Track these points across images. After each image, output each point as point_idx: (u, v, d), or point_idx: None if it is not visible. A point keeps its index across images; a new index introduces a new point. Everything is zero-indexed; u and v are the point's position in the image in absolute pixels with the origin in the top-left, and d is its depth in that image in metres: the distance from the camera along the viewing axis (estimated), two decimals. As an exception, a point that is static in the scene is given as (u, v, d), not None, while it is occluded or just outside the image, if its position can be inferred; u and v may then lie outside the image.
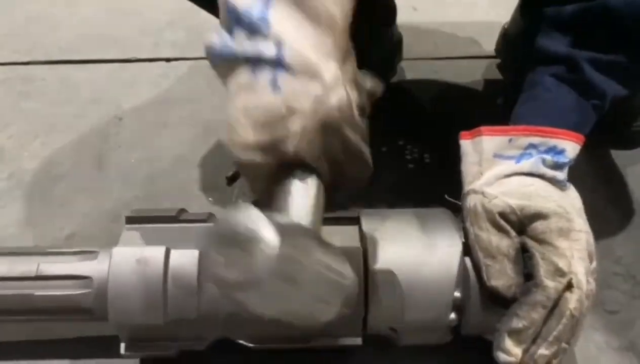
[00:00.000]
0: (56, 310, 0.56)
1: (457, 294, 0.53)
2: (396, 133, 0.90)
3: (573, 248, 0.50)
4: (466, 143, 0.57)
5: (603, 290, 0.68)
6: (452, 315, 0.54)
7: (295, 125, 0.42)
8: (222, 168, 0.83)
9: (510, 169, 0.54)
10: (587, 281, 0.50)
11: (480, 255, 0.52)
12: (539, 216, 0.51)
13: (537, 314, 0.49)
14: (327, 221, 0.58)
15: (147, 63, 1.02)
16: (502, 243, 0.51)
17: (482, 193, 0.53)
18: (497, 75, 1.03)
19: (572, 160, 0.55)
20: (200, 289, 0.53)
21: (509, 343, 0.49)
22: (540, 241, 0.50)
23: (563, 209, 0.52)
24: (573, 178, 0.84)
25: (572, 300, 0.49)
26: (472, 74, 1.03)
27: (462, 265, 0.54)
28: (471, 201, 0.54)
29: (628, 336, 0.64)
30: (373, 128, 0.89)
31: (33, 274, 0.55)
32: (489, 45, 1.12)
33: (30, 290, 0.55)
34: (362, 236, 0.55)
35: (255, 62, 0.42)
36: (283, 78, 0.41)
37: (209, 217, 0.60)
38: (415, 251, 0.54)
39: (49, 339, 0.63)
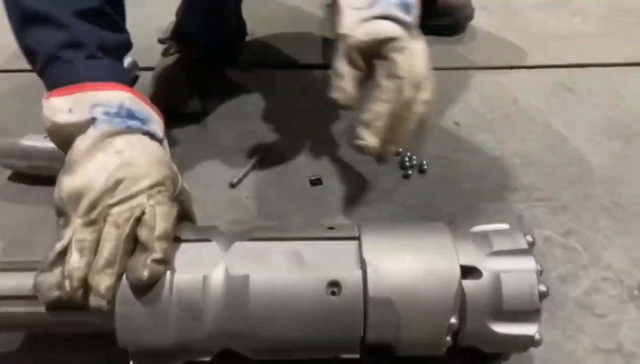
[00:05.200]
0: (65, 324, 0.58)
1: (453, 320, 0.55)
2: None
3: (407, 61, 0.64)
4: None
5: (592, 295, 0.70)
6: (448, 338, 0.56)
7: None
8: (222, 170, 0.86)
9: (365, 14, 0.65)
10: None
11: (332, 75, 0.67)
12: (385, 41, 0.64)
13: (380, 108, 0.64)
14: (326, 237, 0.59)
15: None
16: (350, 70, 0.66)
17: (344, 36, 0.65)
18: (492, 88, 1.06)
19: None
20: (204, 311, 0.55)
21: (364, 132, 0.65)
22: (384, 57, 0.65)
23: (405, 34, 0.65)
24: (573, 180, 0.87)
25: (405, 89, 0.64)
26: (466, 85, 1.06)
27: (460, 288, 0.55)
28: (339, 44, 0.66)
29: (615, 338, 0.66)
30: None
31: None
32: (485, 57, 1.16)
33: (38, 308, 0.56)
34: (362, 259, 0.56)
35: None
36: None
37: (212, 232, 0.61)
38: (413, 275, 0.55)
39: (58, 347, 0.64)
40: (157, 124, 0.63)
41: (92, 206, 0.55)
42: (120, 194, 0.55)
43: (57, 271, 0.53)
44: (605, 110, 1.01)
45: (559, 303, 0.69)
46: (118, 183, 0.56)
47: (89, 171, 0.56)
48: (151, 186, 0.57)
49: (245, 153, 0.91)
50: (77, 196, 0.55)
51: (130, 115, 0.60)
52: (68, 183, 0.56)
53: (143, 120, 0.61)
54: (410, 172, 0.87)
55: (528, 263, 0.57)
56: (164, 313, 0.54)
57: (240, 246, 0.58)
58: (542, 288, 0.56)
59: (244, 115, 0.99)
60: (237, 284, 0.55)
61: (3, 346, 0.65)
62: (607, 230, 0.78)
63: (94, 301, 0.53)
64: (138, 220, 0.55)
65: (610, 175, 0.87)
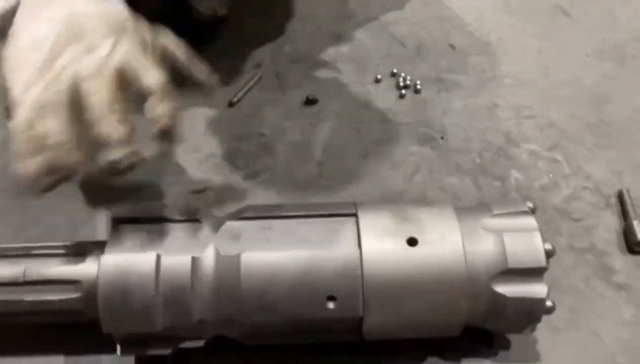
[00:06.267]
0: (47, 313, 0.55)
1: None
2: (390, 61, 0.95)
3: None
4: None
5: (571, 201, 0.74)
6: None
7: None
8: (220, 89, 0.89)
9: None
10: None
11: None
12: None
13: None
14: (322, 214, 0.57)
15: None
16: None
17: None
18: (488, 12, 1.07)
19: None
20: (193, 295, 0.52)
21: None
22: None
23: None
24: (563, 99, 0.88)
25: None
26: (462, 8, 1.07)
27: (466, 274, 0.53)
28: None
29: (589, 239, 0.70)
30: (368, 57, 0.95)
31: (21, 280, 0.54)
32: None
33: (19, 295, 0.54)
34: (359, 240, 0.54)
35: None
36: None
37: (199, 213, 0.58)
38: (415, 262, 0.53)
39: (42, 336, 0.62)
40: None
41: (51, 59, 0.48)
42: (79, 46, 0.48)
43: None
44: (601, 33, 1.02)
45: (539, 209, 0.73)
46: (75, 34, 0.49)
47: (36, 29, 0.50)
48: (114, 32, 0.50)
49: (244, 73, 0.93)
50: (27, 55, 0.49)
51: None
52: (12, 47, 0.51)
53: None
54: (404, 92, 0.90)
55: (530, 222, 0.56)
56: (151, 298, 0.51)
57: (231, 225, 0.56)
58: (548, 246, 0.55)
59: (242, 38, 1.00)
60: (228, 265, 0.53)
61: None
62: (590, 144, 0.82)
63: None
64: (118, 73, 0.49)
65: (599, 95, 0.90)
